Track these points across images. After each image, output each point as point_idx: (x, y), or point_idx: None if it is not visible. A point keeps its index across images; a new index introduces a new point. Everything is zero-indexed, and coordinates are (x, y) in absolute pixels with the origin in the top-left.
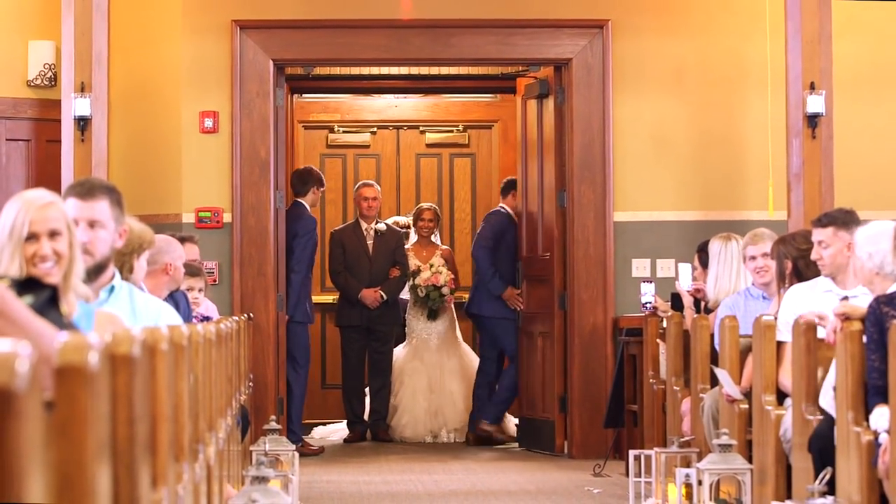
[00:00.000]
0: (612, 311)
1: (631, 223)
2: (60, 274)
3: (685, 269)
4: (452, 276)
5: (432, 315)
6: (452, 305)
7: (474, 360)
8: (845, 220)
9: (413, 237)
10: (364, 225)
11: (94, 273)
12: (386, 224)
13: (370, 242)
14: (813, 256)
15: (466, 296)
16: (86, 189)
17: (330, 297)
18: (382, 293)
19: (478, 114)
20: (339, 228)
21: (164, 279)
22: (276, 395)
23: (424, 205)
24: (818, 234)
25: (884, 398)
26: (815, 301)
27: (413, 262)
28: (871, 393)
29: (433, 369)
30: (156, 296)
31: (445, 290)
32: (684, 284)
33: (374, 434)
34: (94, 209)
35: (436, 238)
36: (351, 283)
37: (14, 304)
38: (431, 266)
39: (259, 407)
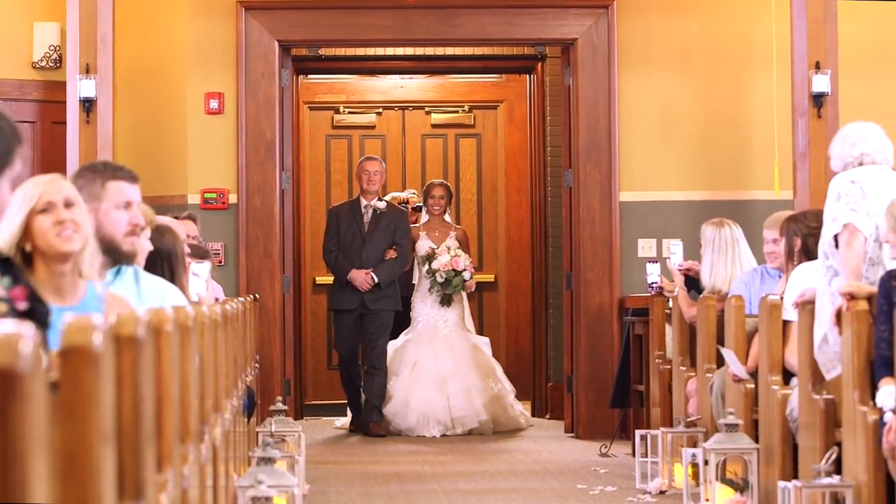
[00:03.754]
0: (617, 292)
1: (637, 203)
2: (80, 243)
3: (677, 247)
4: (471, 259)
5: (447, 301)
6: (464, 293)
7: (486, 349)
8: None
9: (425, 216)
10: (363, 202)
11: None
12: (387, 202)
13: (367, 221)
14: None
15: (484, 278)
16: (127, 173)
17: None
18: (373, 276)
19: (483, 94)
20: (337, 205)
21: None
22: (283, 377)
23: (435, 181)
24: None
25: (890, 370)
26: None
27: (426, 244)
28: (878, 363)
29: (445, 359)
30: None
31: (467, 275)
32: (675, 262)
33: (363, 427)
34: (138, 192)
35: (448, 217)
36: (341, 263)
37: None
38: (449, 249)
39: (265, 388)
